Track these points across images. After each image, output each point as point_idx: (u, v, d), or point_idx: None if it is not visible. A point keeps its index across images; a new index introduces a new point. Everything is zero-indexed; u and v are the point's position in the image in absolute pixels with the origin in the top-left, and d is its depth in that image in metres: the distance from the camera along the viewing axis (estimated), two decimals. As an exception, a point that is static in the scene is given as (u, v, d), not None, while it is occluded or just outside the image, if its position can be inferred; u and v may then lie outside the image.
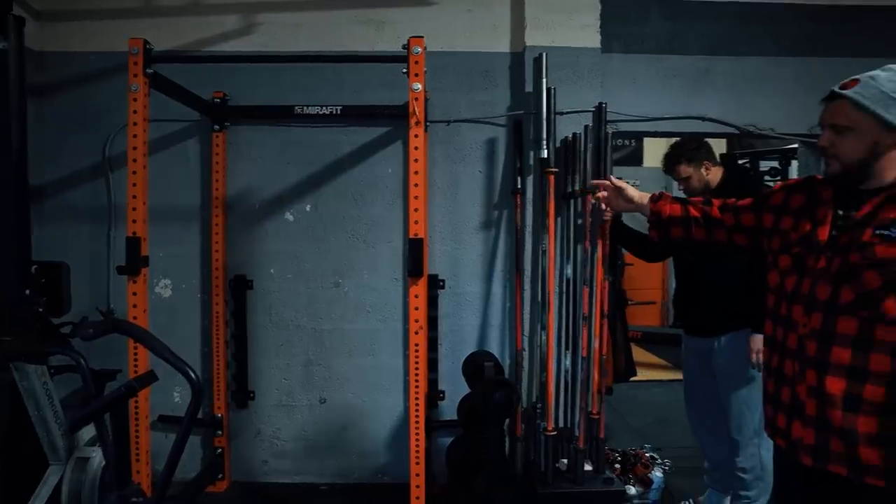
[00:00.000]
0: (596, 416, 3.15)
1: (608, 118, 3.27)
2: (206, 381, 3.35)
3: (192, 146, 3.46)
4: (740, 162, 4.61)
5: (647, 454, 3.34)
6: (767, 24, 3.58)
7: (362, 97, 3.38)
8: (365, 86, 3.40)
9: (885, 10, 3.65)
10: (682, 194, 2.90)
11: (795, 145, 4.13)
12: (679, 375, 5.92)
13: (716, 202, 1.97)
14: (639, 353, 6.33)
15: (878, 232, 1.48)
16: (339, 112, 3.29)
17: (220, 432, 3.39)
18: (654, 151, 8.93)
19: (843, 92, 1.52)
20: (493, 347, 3.41)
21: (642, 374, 5.05)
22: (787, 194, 1.75)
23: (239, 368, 3.45)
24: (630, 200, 2.17)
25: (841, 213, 1.58)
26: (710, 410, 2.93)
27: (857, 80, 1.52)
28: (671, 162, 2.89)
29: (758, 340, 2.62)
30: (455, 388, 3.33)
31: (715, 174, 2.84)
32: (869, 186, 1.54)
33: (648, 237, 3.21)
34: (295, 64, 3.27)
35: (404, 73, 2.66)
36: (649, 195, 2.11)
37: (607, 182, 2.25)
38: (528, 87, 3.31)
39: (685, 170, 2.84)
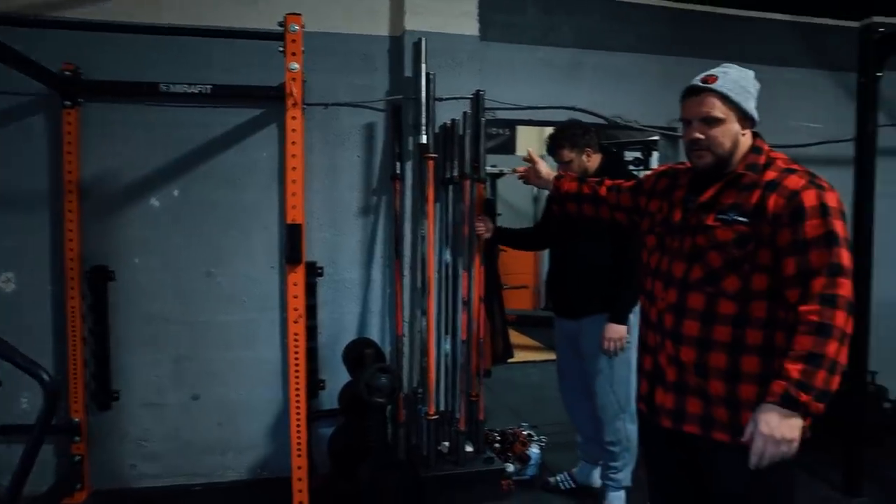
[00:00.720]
0: (475, 399, 3.23)
1: (486, 105, 3.34)
2: (62, 383, 3.05)
3: (38, 124, 3.12)
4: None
5: (524, 432, 3.47)
6: (631, 23, 3.81)
7: (235, 77, 3.21)
8: (237, 65, 3.22)
9: (729, 18, 4.00)
10: None
11: (656, 137, 4.42)
12: (551, 356, 6.24)
13: (606, 182, 2.16)
14: (513, 336, 6.54)
15: (718, 216, 1.63)
16: (209, 91, 3.10)
17: (77, 438, 3.10)
18: (527, 140, 9.24)
19: (713, 86, 1.62)
20: (374, 334, 3.39)
21: (518, 356, 5.24)
22: (657, 179, 1.92)
23: (99, 367, 3.16)
24: (539, 176, 2.52)
25: (690, 197, 1.72)
26: (579, 389, 3.08)
27: (716, 76, 1.63)
28: (555, 145, 2.97)
29: (612, 329, 2.76)
30: (336, 376, 3.28)
31: (594, 161, 2.97)
32: (711, 172, 1.67)
33: (528, 233, 3.36)
34: (158, 36, 3.03)
35: (280, 51, 2.55)
36: (555, 174, 2.45)
37: (536, 158, 2.56)
38: (408, 72, 3.30)
39: (567, 154, 2.93)
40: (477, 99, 3.31)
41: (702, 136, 1.64)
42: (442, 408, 3.27)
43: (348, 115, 3.37)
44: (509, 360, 4.15)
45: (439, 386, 3.26)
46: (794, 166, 1.62)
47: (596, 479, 3.16)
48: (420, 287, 3.24)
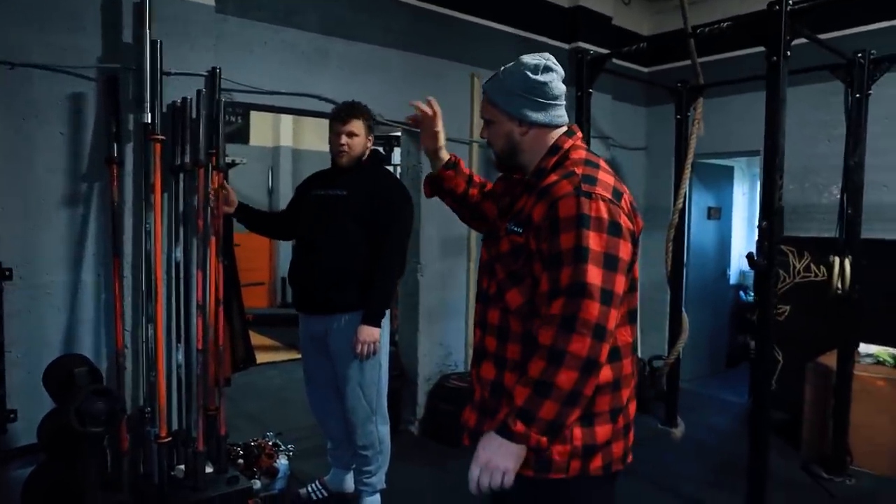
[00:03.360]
0: (215, 412, 2.89)
1: (222, 86, 3.00)
2: None
3: None
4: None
5: (269, 443, 3.21)
6: (378, 15, 3.76)
7: None
8: None
9: (466, 23, 4.20)
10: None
11: (398, 133, 4.47)
12: (293, 355, 6.07)
13: (488, 184, 1.89)
14: (252, 337, 6.19)
15: (505, 225, 1.53)
16: None
17: None
18: (262, 130, 8.81)
19: (483, 86, 1.59)
20: (87, 349, 2.82)
21: (257, 358, 4.92)
22: (497, 182, 1.77)
23: None
24: (434, 133, 1.86)
25: (500, 205, 1.62)
26: (327, 392, 2.93)
27: (492, 76, 1.57)
28: (350, 113, 2.79)
29: (365, 332, 2.65)
30: (34, 404, 2.63)
31: (368, 152, 2.87)
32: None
33: (274, 216, 3.08)
34: None
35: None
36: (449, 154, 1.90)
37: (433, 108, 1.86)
38: (128, 38, 2.79)
39: (359, 127, 2.78)
40: (213, 77, 2.97)
41: (485, 136, 1.61)
42: (176, 427, 2.85)
43: (46, 82, 2.73)
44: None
45: (172, 402, 2.84)
46: (577, 169, 1.45)
47: (349, 484, 3.05)
48: (145, 290, 2.77)
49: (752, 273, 2.81)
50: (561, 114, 1.55)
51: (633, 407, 1.54)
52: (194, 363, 2.84)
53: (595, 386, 1.37)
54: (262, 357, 5.62)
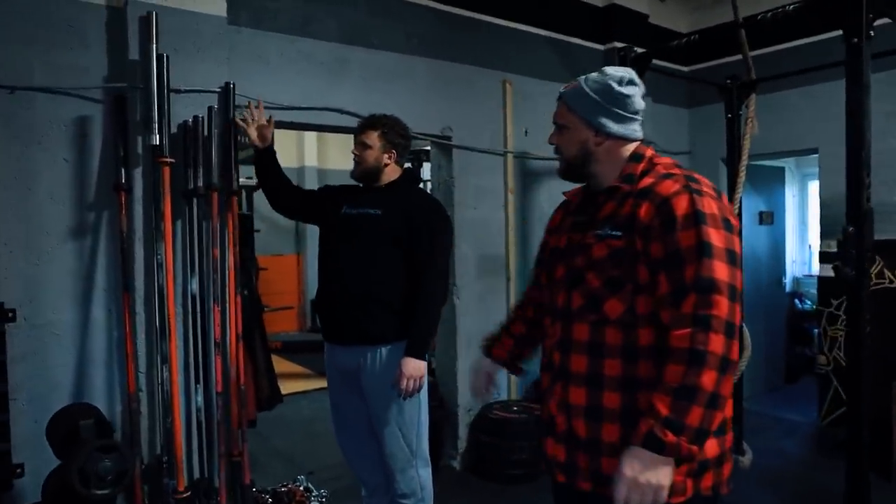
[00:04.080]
0: (239, 458, 2.64)
1: (237, 103, 2.78)
2: None
3: None
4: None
5: (300, 488, 2.94)
6: (400, 20, 3.52)
7: None
8: None
9: (495, 26, 3.94)
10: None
11: (427, 147, 4.20)
12: (323, 383, 5.75)
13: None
14: (279, 364, 5.92)
15: (594, 232, 1.46)
16: None
17: None
18: (285, 149, 8.57)
19: (561, 91, 1.56)
20: (99, 394, 2.58)
21: (285, 387, 4.65)
22: (554, 214, 1.74)
23: None
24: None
25: (577, 219, 1.57)
26: (360, 433, 2.61)
27: (572, 83, 1.56)
28: (368, 124, 2.54)
29: (411, 365, 2.33)
30: (42, 457, 2.40)
31: (392, 170, 2.55)
32: (598, 188, 1.53)
33: (291, 185, 2.77)
34: None
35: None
36: None
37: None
38: (134, 55, 2.59)
39: (373, 139, 2.49)
40: (227, 92, 2.75)
41: (553, 142, 1.59)
42: (197, 475, 2.61)
43: (49, 105, 2.53)
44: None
45: (191, 450, 2.59)
46: (674, 171, 1.45)
47: (388, 534, 2.75)
48: (159, 327, 2.53)
49: (807, 280, 2.50)
50: (637, 129, 1.54)
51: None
52: (214, 406, 2.59)
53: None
54: (290, 386, 5.40)
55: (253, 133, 2.63)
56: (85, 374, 2.59)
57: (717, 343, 1.25)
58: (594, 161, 1.52)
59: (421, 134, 3.59)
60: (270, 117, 2.68)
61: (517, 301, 1.90)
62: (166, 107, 2.52)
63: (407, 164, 2.69)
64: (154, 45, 2.52)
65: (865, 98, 2.38)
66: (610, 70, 1.53)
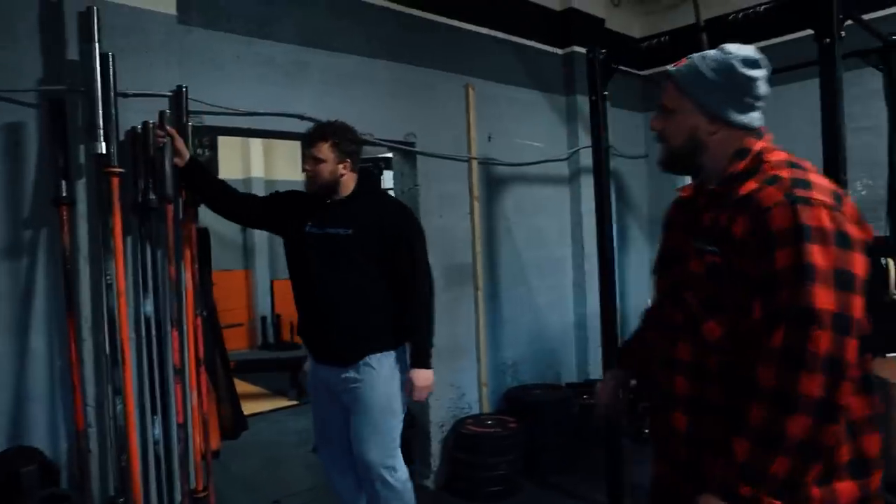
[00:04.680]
0: (202, 494, 2.41)
1: (190, 108, 2.57)
2: None
3: None
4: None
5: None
6: (361, 22, 3.36)
7: None
8: None
9: (456, 29, 3.83)
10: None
11: (389, 154, 4.05)
12: (281, 403, 5.56)
13: None
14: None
15: (693, 244, 1.29)
16: None
17: None
18: (231, 161, 8.31)
19: (669, 69, 1.36)
20: (40, 434, 2.30)
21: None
22: (668, 211, 1.54)
23: None
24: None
25: (687, 218, 1.39)
26: (345, 450, 2.49)
27: (685, 59, 1.36)
28: (318, 136, 2.37)
29: (421, 376, 2.33)
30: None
31: (348, 179, 2.41)
32: (707, 183, 1.35)
33: (231, 191, 2.57)
34: None
35: None
36: None
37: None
38: (73, 54, 2.34)
39: (325, 151, 2.33)
40: (179, 96, 2.53)
41: (657, 127, 1.39)
42: (154, 516, 2.37)
43: (-26, 111, 2.27)
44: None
45: (150, 488, 2.35)
46: (783, 172, 1.22)
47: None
48: (109, 355, 2.29)
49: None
50: (757, 118, 1.33)
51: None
52: (174, 438, 2.35)
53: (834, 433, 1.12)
54: (248, 408, 5.07)
55: (180, 148, 2.42)
56: (24, 412, 2.30)
57: (809, 384, 1.07)
58: (703, 151, 1.34)
59: (384, 140, 3.44)
60: (175, 135, 2.43)
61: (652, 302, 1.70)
62: (113, 112, 2.28)
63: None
64: (96, 44, 2.29)
65: (839, 98, 2.38)
66: (732, 48, 1.32)
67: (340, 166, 2.37)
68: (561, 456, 3.68)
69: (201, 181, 2.53)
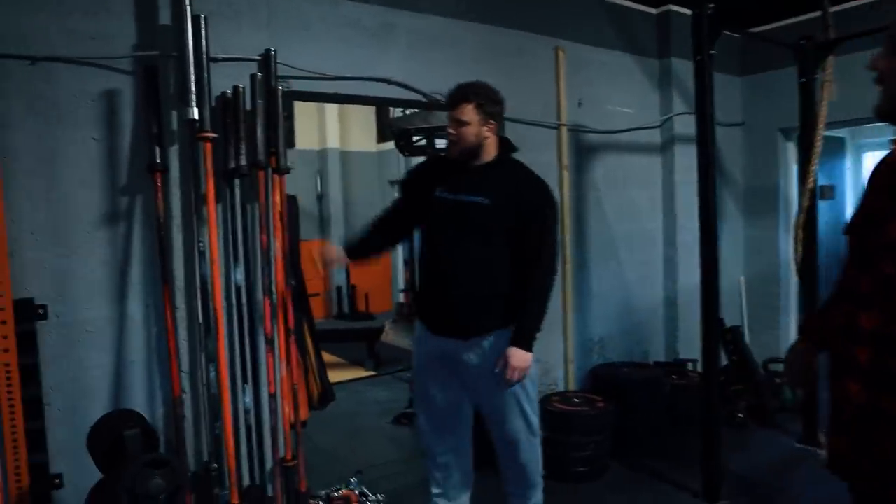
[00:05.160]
0: (292, 464, 2.40)
1: (279, 73, 2.51)
2: None
3: None
4: (415, 139, 4.27)
5: (355, 492, 2.70)
6: (445, -20, 3.21)
7: None
8: None
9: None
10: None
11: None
12: (360, 373, 5.59)
13: None
14: (312, 354, 5.73)
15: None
16: None
17: None
18: (308, 132, 8.37)
19: None
20: (139, 398, 2.35)
21: (322, 379, 4.44)
22: (874, 169, 1.37)
23: None
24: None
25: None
26: (452, 425, 2.43)
27: None
28: (461, 97, 2.23)
29: (518, 356, 2.20)
30: (81, 467, 2.16)
31: (492, 144, 2.28)
32: None
33: (385, 229, 2.48)
34: None
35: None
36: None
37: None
38: (165, 18, 2.32)
39: (470, 113, 2.20)
40: (269, 60, 2.47)
41: (880, 68, 1.26)
42: (248, 482, 2.37)
43: (73, 78, 2.27)
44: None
45: (241, 455, 2.35)
46: None
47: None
48: (202, 323, 2.29)
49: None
50: None
51: None
52: (265, 408, 2.34)
53: None
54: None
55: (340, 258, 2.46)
56: (123, 376, 2.35)
57: None
58: None
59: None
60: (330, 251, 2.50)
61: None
62: (205, 76, 2.24)
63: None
64: (188, 6, 2.24)
65: None
66: None
67: (485, 128, 2.24)
68: (651, 438, 3.51)
69: (368, 247, 2.52)
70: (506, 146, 2.35)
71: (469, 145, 2.24)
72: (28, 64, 2.19)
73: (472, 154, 2.27)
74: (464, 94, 2.23)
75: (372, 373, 5.42)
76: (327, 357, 5.95)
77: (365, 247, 2.50)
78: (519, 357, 2.20)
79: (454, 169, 2.31)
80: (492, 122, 2.25)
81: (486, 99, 2.24)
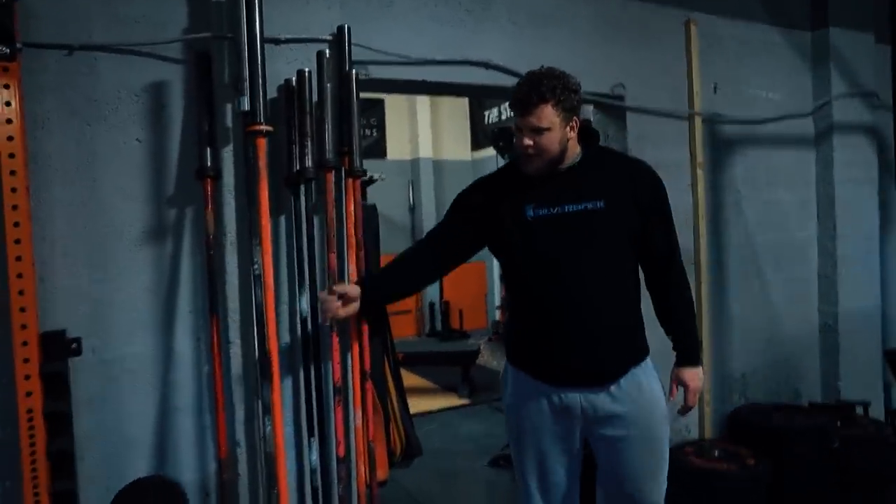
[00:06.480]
0: (368, 537, 1.92)
1: (354, 56, 2.07)
2: None
3: None
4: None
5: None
6: (555, -55, 2.68)
7: None
8: None
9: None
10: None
11: (590, 108, 3.32)
12: (453, 401, 5.08)
13: None
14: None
15: None
16: None
17: None
18: (399, 142, 8.06)
19: None
20: (187, 451, 1.94)
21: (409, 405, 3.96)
22: None
23: None
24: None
25: None
26: (568, 490, 1.87)
27: None
28: (537, 97, 1.65)
29: (695, 376, 1.87)
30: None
31: (574, 144, 1.76)
32: None
33: (418, 261, 1.92)
34: None
35: None
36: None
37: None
38: (217, -7, 1.93)
39: (550, 116, 1.65)
40: (341, 40, 2.02)
41: None
42: (312, 560, 1.92)
43: (116, 69, 1.91)
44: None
45: (305, 527, 1.90)
46: None
47: None
48: (258, 362, 1.86)
49: None
50: None
51: None
52: (334, 472, 1.87)
53: None
54: (414, 405, 4.67)
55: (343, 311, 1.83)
56: (169, 424, 1.95)
57: None
58: None
59: (586, 94, 2.73)
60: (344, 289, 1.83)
61: None
62: (259, 59, 1.82)
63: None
64: (243, -22, 1.84)
65: None
66: None
67: (568, 129, 1.70)
68: (819, 508, 2.78)
69: (390, 287, 1.93)
70: (587, 134, 1.82)
71: (553, 155, 1.70)
72: (65, 54, 1.85)
73: (556, 163, 1.73)
74: (540, 92, 1.65)
75: (466, 401, 4.90)
76: (416, 381, 5.53)
77: (388, 287, 1.93)
78: (696, 376, 1.88)
79: (536, 180, 1.76)
80: (574, 119, 1.71)
81: (565, 91, 1.66)
